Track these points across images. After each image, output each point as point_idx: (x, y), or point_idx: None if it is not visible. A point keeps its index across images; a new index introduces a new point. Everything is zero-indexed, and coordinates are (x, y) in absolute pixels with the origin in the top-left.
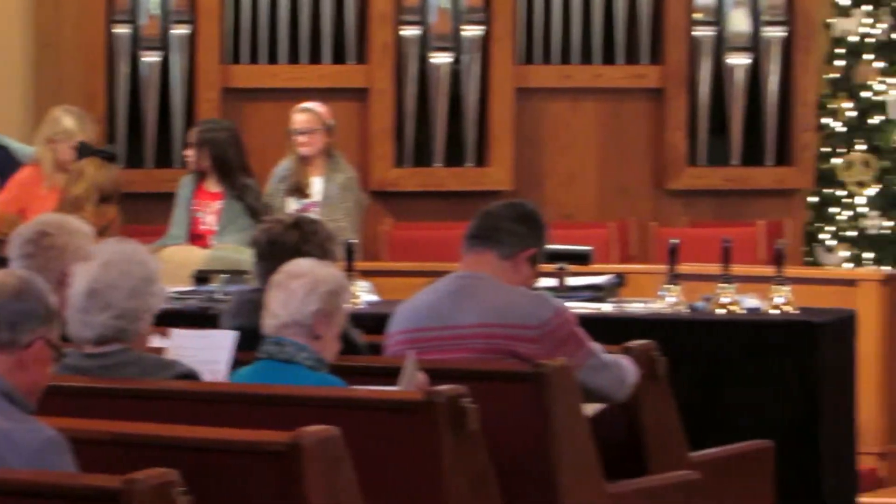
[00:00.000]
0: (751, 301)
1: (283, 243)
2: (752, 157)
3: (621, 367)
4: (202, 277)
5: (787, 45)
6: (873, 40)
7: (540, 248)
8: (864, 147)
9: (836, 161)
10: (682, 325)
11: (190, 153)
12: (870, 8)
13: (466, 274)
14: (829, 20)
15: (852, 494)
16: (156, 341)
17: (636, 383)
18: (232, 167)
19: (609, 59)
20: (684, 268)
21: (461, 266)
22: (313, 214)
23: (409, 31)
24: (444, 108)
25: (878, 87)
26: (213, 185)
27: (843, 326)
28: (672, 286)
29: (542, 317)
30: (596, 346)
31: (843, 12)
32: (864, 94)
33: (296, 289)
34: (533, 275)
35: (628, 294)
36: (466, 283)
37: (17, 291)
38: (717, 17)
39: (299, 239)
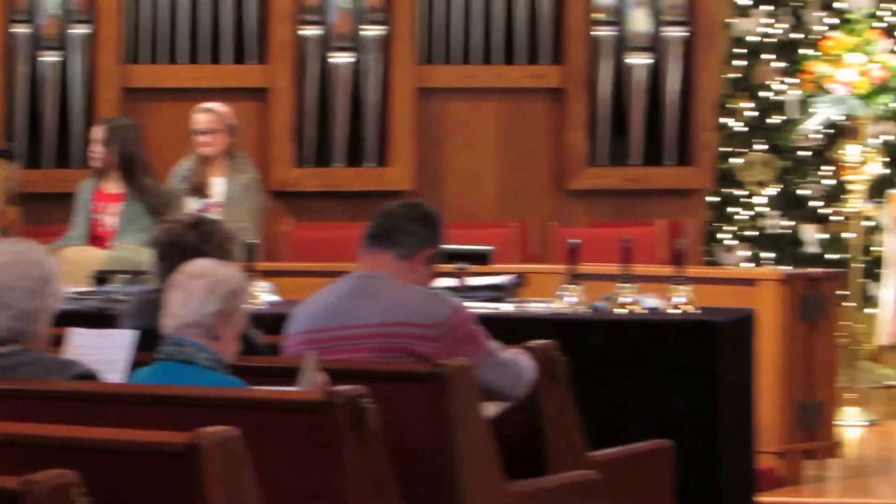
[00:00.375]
0: (651, 301)
1: (183, 243)
2: (653, 156)
3: (518, 365)
4: (102, 278)
5: (688, 45)
6: (773, 40)
7: (438, 248)
8: (764, 147)
9: (735, 161)
10: (582, 324)
11: (97, 150)
12: (770, 8)
13: (365, 274)
14: (729, 20)
15: (751, 493)
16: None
17: (533, 380)
18: (137, 165)
19: (509, 59)
20: (585, 268)
21: (359, 266)
22: (214, 215)
23: (310, 31)
24: (345, 108)
25: (777, 87)
26: (112, 186)
27: (742, 326)
28: (572, 286)
29: (440, 315)
30: (494, 345)
31: (743, 12)
32: (763, 93)
33: (195, 289)
34: (430, 275)
35: (529, 294)
36: (365, 283)
37: None
38: (618, 18)
39: (199, 239)
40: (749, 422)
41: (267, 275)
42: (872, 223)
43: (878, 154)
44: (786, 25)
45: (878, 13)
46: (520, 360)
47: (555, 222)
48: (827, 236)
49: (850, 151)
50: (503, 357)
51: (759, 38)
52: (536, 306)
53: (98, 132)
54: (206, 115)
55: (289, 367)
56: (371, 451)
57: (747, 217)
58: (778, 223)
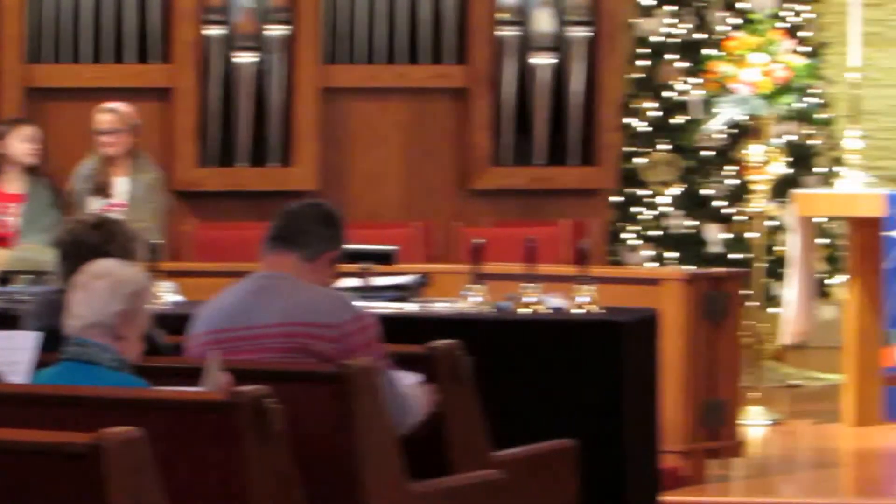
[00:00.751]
0: (555, 300)
1: (86, 243)
2: (557, 156)
3: (409, 404)
4: (4, 278)
5: (591, 45)
6: (676, 40)
7: (341, 249)
8: (668, 147)
9: (639, 161)
10: (486, 324)
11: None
12: (673, 8)
13: (268, 274)
14: (632, 20)
15: (655, 493)
16: None
17: (420, 421)
18: (37, 165)
19: (414, 58)
20: (489, 267)
21: (262, 266)
22: (117, 215)
23: (214, 31)
24: (249, 108)
25: (681, 87)
26: (11, 186)
27: (646, 326)
28: (476, 286)
29: (341, 318)
30: (396, 373)
31: (647, 12)
32: (667, 93)
33: (98, 289)
34: (333, 276)
35: (433, 294)
36: (268, 283)
37: None
38: (522, 18)
39: (102, 239)
40: (653, 421)
41: (170, 275)
42: (776, 223)
43: (781, 154)
44: (689, 25)
45: (781, 13)
46: (411, 401)
47: (459, 222)
48: (730, 236)
49: (753, 151)
50: (398, 386)
51: (662, 39)
52: (440, 306)
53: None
54: (109, 115)
55: (192, 368)
56: (275, 451)
57: (651, 217)
58: (681, 223)
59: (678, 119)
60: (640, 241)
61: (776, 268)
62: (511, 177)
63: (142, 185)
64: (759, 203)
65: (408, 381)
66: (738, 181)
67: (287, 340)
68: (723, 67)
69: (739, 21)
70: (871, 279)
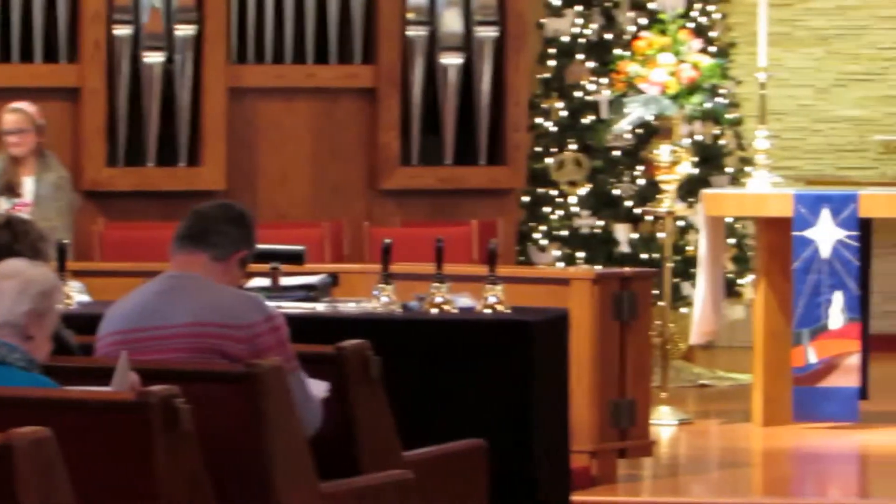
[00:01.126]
0: (464, 300)
1: None
2: (465, 156)
3: (315, 406)
4: None
5: (500, 44)
6: (585, 40)
7: (250, 249)
8: (576, 147)
9: (548, 161)
10: (395, 324)
11: None
12: (581, 8)
13: (176, 274)
14: (541, 20)
15: (565, 493)
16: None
17: (318, 428)
18: None
19: (322, 58)
20: (398, 267)
21: (171, 266)
22: (25, 214)
23: (122, 31)
24: (157, 108)
25: (589, 86)
26: None
27: (555, 325)
28: (385, 286)
29: (250, 318)
30: (304, 376)
31: (555, 12)
32: (575, 93)
33: (7, 289)
34: (242, 276)
35: (342, 294)
36: (177, 283)
37: None
38: (430, 18)
39: (10, 239)
40: (563, 421)
41: (78, 275)
42: (684, 223)
43: (689, 154)
44: (597, 26)
45: (690, 14)
46: (316, 404)
47: (368, 222)
48: (639, 236)
49: (661, 151)
50: (308, 389)
51: (571, 39)
52: (349, 306)
53: None
54: (15, 114)
55: (101, 368)
56: (184, 450)
57: (560, 217)
58: (590, 223)
59: (586, 119)
60: (549, 241)
61: (685, 267)
62: (420, 177)
63: (48, 185)
64: (667, 203)
65: (316, 388)
66: (646, 181)
67: (196, 340)
68: (631, 67)
69: (648, 21)
70: (779, 279)
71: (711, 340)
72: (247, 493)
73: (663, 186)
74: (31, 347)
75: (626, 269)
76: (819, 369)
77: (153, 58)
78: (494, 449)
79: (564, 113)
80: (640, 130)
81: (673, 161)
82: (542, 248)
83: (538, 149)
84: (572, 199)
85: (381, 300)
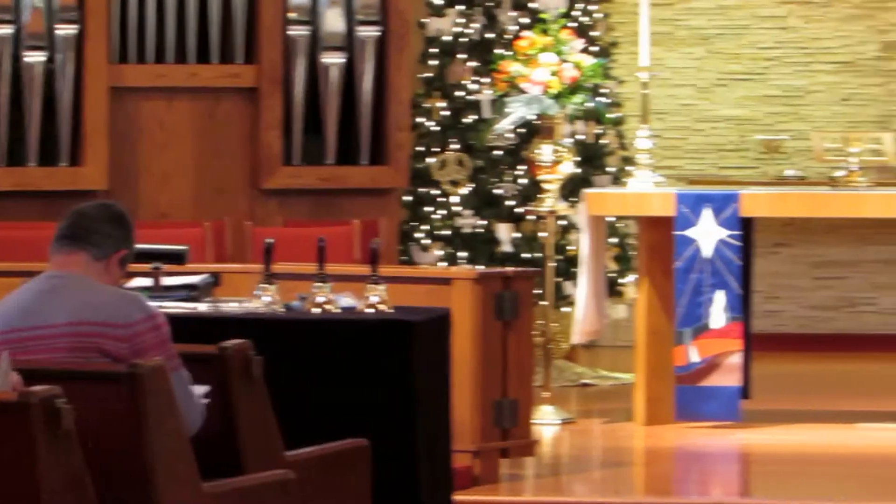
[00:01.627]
0: (346, 300)
1: None
2: (347, 156)
3: (194, 405)
4: None
5: (382, 44)
6: (467, 40)
7: (131, 249)
8: (458, 146)
9: (430, 160)
10: (277, 324)
11: None
12: (463, 8)
13: (56, 274)
14: (422, 20)
15: (447, 492)
16: None
17: (198, 428)
18: None
19: (204, 58)
20: (280, 267)
21: (51, 266)
22: None
23: (3, 30)
24: (38, 108)
25: (471, 86)
26: None
27: (437, 325)
28: (267, 285)
29: (131, 317)
30: (186, 375)
31: (437, 12)
32: (457, 93)
33: None
34: (123, 276)
35: (224, 293)
36: (58, 283)
37: None
38: (311, 17)
39: None
40: (446, 421)
41: None
42: (566, 222)
43: (571, 153)
44: (479, 25)
45: (571, 13)
46: (198, 403)
47: (250, 222)
48: (521, 235)
49: (543, 151)
50: (190, 388)
51: (452, 38)
52: (231, 306)
53: None
54: None
55: None
56: (66, 451)
57: (442, 216)
58: (472, 222)
59: (468, 118)
60: (432, 241)
61: (567, 267)
62: (302, 176)
63: None
64: (549, 202)
65: (197, 391)
66: (528, 180)
67: (78, 340)
68: (513, 67)
69: (529, 21)
70: (661, 278)
71: (594, 340)
72: (129, 493)
73: (545, 186)
74: None
75: (509, 269)
76: (701, 368)
77: (34, 57)
78: (377, 449)
79: (446, 112)
80: (522, 130)
81: (555, 160)
82: (425, 248)
83: (420, 148)
84: (454, 199)
85: (264, 300)
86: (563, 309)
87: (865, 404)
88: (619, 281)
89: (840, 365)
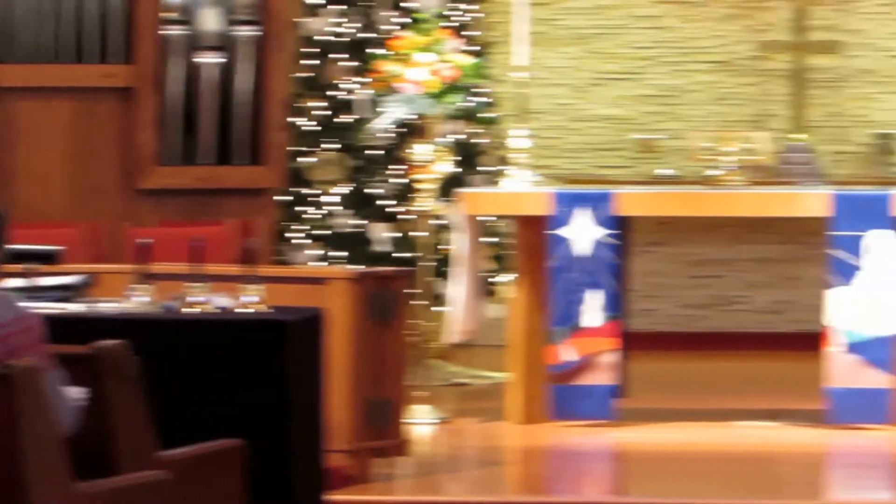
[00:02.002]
0: (222, 300)
1: None
2: (224, 156)
3: (67, 406)
4: None
5: (259, 44)
6: (344, 39)
7: (3, 249)
8: (335, 146)
9: (306, 160)
10: (152, 324)
11: None
12: (340, 7)
13: None
14: (299, 19)
15: (321, 492)
16: None
17: (73, 430)
18: None
19: (80, 58)
20: (155, 267)
21: None
22: None
23: None
24: None
25: (348, 86)
26: None
27: (311, 325)
28: (142, 285)
29: (3, 317)
30: (60, 376)
31: (313, 11)
32: (334, 93)
33: None
34: None
35: (99, 294)
36: None
37: None
38: (188, 17)
39: None
40: (320, 420)
41: None
42: (442, 222)
43: (447, 153)
44: (356, 25)
45: (447, 13)
46: (72, 404)
47: (126, 222)
48: (397, 235)
49: (419, 150)
50: (63, 389)
51: (329, 38)
52: (106, 306)
53: None
54: None
55: None
56: None
57: (318, 216)
58: (349, 222)
59: (345, 118)
60: (308, 241)
61: (442, 267)
62: (177, 176)
63: None
64: (425, 202)
65: (75, 393)
66: (405, 180)
67: None
68: (389, 66)
69: (406, 20)
70: (537, 277)
71: (469, 339)
72: (1, 493)
73: (420, 185)
74: None
75: (384, 269)
76: (576, 367)
77: None
78: (251, 449)
79: (323, 112)
80: (399, 130)
81: (431, 160)
82: (301, 248)
83: (297, 148)
84: (331, 199)
85: (138, 300)
86: (439, 309)
87: (740, 402)
88: (495, 280)
89: (715, 363)
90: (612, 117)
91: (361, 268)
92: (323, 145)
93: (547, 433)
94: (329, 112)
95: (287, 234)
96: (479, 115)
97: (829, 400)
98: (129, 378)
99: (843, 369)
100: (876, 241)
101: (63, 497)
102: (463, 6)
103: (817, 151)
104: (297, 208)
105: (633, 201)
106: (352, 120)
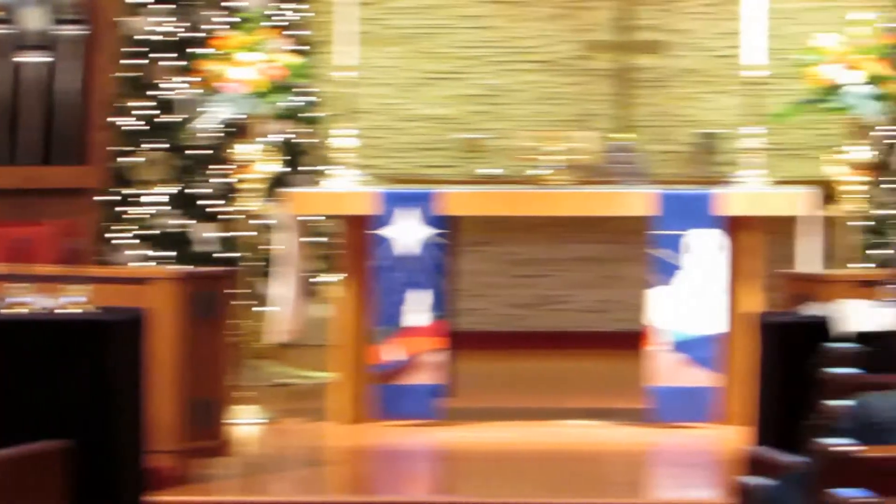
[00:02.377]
0: (44, 301)
1: None
2: (47, 156)
3: None
4: None
5: (83, 43)
6: (166, 39)
7: None
8: (159, 145)
9: (130, 160)
10: None
11: None
12: (164, 7)
13: None
14: (122, 18)
15: (143, 492)
16: None
17: None
18: None
19: None
20: None
21: None
22: None
23: None
24: None
25: (172, 85)
26: None
27: (133, 325)
28: None
29: None
30: None
31: (136, 11)
32: (158, 92)
33: None
34: None
35: None
36: None
37: None
38: (10, 15)
39: None
40: (142, 420)
41: None
42: (266, 221)
43: (272, 153)
44: (180, 24)
45: (272, 13)
46: None
47: None
48: (221, 235)
49: (243, 150)
50: None
51: (153, 37)
52: None
53: None
54: None
55: None
56: None
57: (141, 216)
58: (173, 222)
59: (169, 118)
60: (131, 241)
61: (266, 266)
62: (0, 176)
63: None
64: (248, 202)
65: None
66: (229, 180)
67: None
68: (213, 66)
69: (230, 20)
70: (362, 277)
71: (294, 339)
72: None
73: (243, 185)
74: None
75: (206, 269)
76: (401, 367)
77: None
78: (75, 449)
79: (147, 112)
80: (227, 129)
81: (254, 160)
82: (123, 248)
83: (120, 148)
84: (154, 199)
85: None
86: (261, 308)
87: (565, 402)
88: (319, 280)
89: (540, 362)
90: (438, 117)
91: (185, 268)
92: (149, 145)
93: (372, 433)
94: (154, 112)
95: (110, 235)
96: (304, 114)
97: (652, 398)
98: None
99: (665, 368)
100: (697, 240)
101: None
102: (290, 6)
103: (642, 151)
104: (119, 209)
105: (457, 201)
106: (177, 120)
